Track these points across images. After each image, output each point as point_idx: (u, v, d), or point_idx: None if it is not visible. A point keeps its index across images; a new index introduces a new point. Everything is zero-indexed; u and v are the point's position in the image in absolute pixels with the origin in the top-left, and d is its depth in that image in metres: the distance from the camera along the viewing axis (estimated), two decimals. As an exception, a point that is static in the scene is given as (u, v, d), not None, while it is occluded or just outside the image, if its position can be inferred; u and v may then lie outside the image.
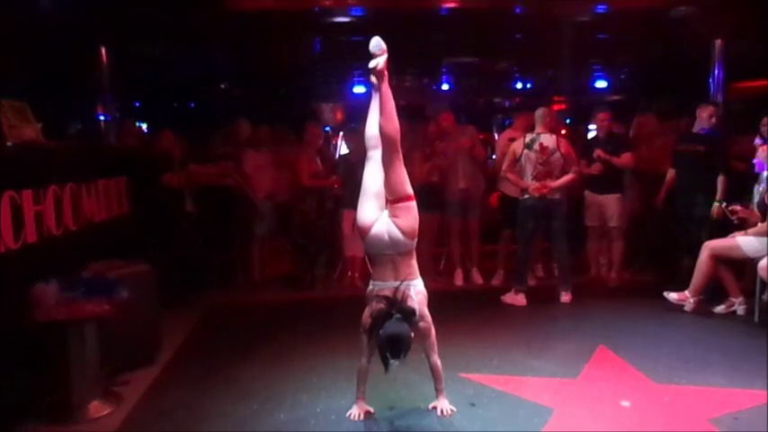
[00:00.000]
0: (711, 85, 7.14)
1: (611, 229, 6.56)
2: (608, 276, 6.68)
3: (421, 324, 3.44)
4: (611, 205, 6.47)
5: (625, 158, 6.35)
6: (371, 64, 3.48)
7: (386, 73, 3.52)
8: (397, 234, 3.47)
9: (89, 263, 4.32)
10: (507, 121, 10.55)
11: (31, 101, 4.50)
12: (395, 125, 3.48)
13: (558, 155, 5.97)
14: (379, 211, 3.54)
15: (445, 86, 10.70)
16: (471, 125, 7.28)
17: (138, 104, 10.36)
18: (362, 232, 3.57)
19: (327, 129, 10.39)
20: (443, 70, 10.43)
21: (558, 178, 5.99)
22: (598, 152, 6.33)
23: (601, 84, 10.63)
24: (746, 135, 6.27)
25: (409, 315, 3.30)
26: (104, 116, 6.60)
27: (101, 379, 3.94)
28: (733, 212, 5.42)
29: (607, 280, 6.66)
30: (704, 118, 6.04)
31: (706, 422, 3.46)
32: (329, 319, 5.52)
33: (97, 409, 3.78)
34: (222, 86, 10.84)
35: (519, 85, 11.08)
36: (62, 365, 3.74)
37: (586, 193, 6.60)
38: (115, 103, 6.65)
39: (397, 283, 3.44)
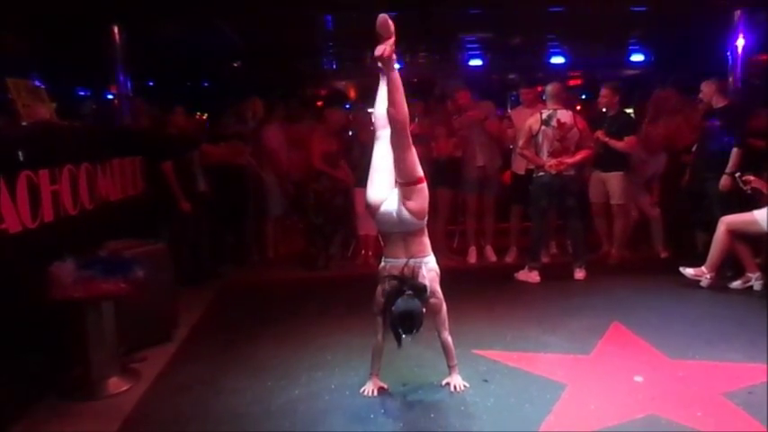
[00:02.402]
0: (730, 58, 6.99)
1: (614, 207, 6.51)
2: (609, 253, 6.64)
3: (432, 300, 3.46)
4: (613, 182, 6.42)
5: (627, 143, 6.22)
6: (377, 52, 3.31)
7: (393, 58, 3.37)
8: (406, 214, 3.46)
9: (105, 242, 4.37)
10: (513, 97, 10.42)
11: (46, 81, 4.53)
12: (404, 112, 3.40)
13: (575, 131, 5.92)
14: (389, 189, 3.53)
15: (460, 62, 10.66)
16: (488, 101, 7.23)
17: (151, 84, 10.39)
18: (372, 210, 3.58)
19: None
20: (458, 46, 10.36)
21: (573, 154, 5.94)
22: (598, 134, 6.25)
23: (616, 58, 10.49)
24: (765, 108, 6.17)
25: (420, 291, 3.32)
26: (117, 95, 6.62)
27: (119, 356, 4.01)
28: (746, 182, 5.34)
29: (607, 257, 6.62)
30: (706, 93, 5.95)
31: (720, 396, 3.45)
32: (343, 298, 5.56)
33: (116, 385, 3.85)
34: (235, 65, 10.83)
35: (534, 61, 10.97)
36: (81, 343, 3.81)
37: (592, 169, 6.54)
38: (128, 83, 6.65)
39: (409, 260, 3.46)
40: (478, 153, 6.68)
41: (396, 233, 3.53)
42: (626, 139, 6.22)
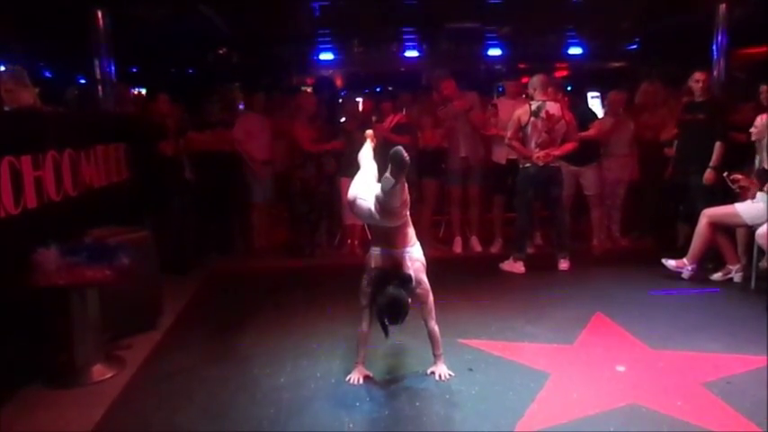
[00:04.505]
0: (714, 52, 7.05)
1: (588, 198, 6.62)
2: (590, 244, 6.74)
3: (418, 290, 3.49)
4: (587, 174, 6.54)
5: (595, 128, 6.45)
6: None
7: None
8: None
9: (90, 229, 4.33)
10: (500, 89, 10.37)
11: (28, 65, 4.46)
12: (403, 205, 3.36)
13: (562, 123, 5.94)
14: (367, 188, 3.51)
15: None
16: (473, 91, 7.22)
17: (135, 70, 10.27)
18: (349, 205, 3.63)
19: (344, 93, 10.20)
20: (443, 36, 10.32)
21: (560, 146, 5.96)
22: None
23: (602, 50, 10.52)
24: (748, 102, 6.23)
25: (405, 281, 3.35)
26: (101, 81, 6.53)
27: (103, 343, 4.00)
28: (734, 181, 5.39)
29: (589, 248, 6.70)
30: (693, 86, 6.01)
31: (700, 386, 3.51)
32: (329, 286, 5.58)
33: (100, 372, 3.84)
34: (221, 52, 10.73)
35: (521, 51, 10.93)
36: (65, 330, 3.79)
37: (562, 164, 6.48)
38: (112, 69, 6.56)
39: (394, 250, 3.48)
40: (462, 144, 6.70)
41: (377, 225, 3.54)
42: (592, 125, 6.43)
